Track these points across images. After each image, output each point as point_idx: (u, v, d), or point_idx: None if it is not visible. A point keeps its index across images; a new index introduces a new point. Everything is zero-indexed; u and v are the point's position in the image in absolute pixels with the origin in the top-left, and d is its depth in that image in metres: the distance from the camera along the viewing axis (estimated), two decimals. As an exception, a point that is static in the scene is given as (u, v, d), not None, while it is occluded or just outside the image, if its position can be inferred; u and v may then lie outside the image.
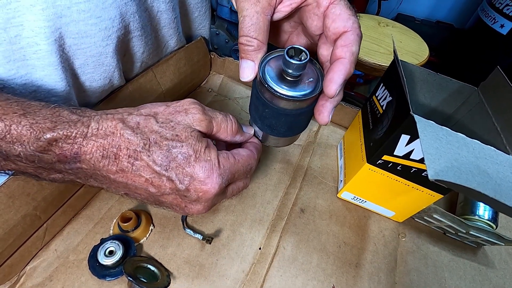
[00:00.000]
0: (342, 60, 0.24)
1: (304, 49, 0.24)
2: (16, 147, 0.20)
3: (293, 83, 0.24)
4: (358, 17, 0.26)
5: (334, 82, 0.24)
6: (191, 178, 0.23)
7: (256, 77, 0.26)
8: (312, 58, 0.26)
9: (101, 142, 0.22)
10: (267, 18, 0.25)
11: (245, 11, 0.25)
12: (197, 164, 0.23)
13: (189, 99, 0.26)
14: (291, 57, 0.23)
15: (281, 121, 0.26)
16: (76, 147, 0.21)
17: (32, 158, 0.21)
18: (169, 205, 0.25)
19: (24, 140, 0.20)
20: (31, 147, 0.20)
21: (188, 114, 0.25)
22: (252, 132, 0.31)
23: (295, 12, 0.28)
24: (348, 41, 0.24)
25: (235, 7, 0.27)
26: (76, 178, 0.23)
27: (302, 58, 0.24)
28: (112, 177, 0.22)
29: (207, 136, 0.26)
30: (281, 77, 0.25)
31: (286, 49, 0.23)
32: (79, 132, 0.21)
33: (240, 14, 0.25)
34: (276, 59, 0.26)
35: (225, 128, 0.27)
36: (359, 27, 0.25)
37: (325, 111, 0.26)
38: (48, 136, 0.20)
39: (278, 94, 0.24)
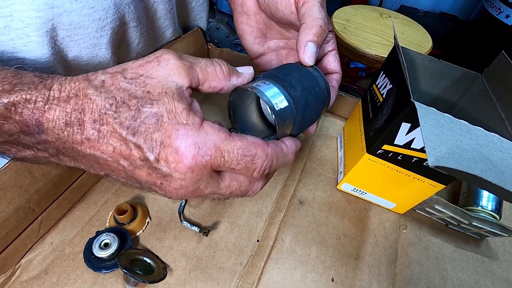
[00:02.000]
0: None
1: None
2: None
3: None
4: None
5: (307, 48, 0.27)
6: (161, 145, 0.19)
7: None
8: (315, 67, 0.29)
9: (63, 106, 0.18)
10: None
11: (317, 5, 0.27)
12: (170, 127, 0.19)
13: (162, 49, 0.22)
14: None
15: (314, 109, 0.27)
16: (37, 113, 0.18)
17: None
18: (146, 184, 0.21)
19: None
20: None
21: (161, 63, 0.20)
22: (252, 69, 0.25)
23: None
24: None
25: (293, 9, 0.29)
26: (50, 156, 0.20)
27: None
28: (79, 149, 0.19)
29: (195, 89, 0.23)
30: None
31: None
32: (40, 95, 0.18)
33: (309, 3, 0.27)
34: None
35: (213, 72, 0.22)
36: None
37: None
38: (5, 100, 0.18)
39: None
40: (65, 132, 0.19)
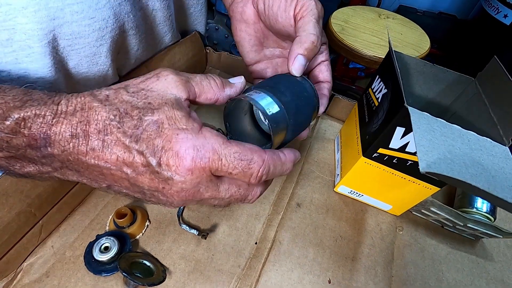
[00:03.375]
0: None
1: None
2: None
3: None
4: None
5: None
6: (162, 150, 0.20)
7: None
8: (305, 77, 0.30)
9: (69, 119, 0.19)
10: None
11: (313, 16, 0.28)
12: (170, 132, 0.20)
13: (160, 68, 0.24)
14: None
15: (305, 114, 0.28)
16: (45, 127, 0.19)
17: (0, 144, 0.19)
18: (148, 191, 0.22)
19: None
20: None
21: (160, 78, 0.22)
22: (243, 79, 0.27)
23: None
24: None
25: (289, 10, 0.29)
26: (53, 171, 0.21)
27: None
28: (83, 160, 0.20)
29: (192, 102, 0.24)
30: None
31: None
32: (49, 110, 0.19)
33: (306, 17, 0.28)
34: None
35: (208, 85, 0.24)
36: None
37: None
38: (16, 115, 0.19)
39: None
40: (71, 144, 0.20)
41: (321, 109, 0.31)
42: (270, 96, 0.25)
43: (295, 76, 0.29)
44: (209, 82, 0.24)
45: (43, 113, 0.19)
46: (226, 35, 1.19)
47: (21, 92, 0.20)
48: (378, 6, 1.47)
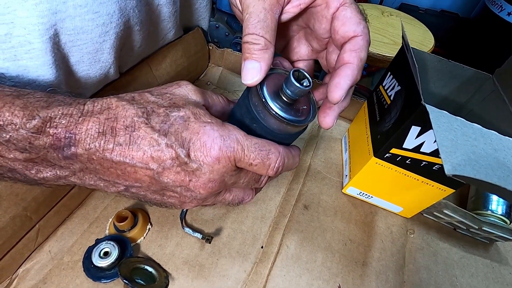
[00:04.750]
0: (350, 65, 0.23)
1: (308, 75, 0.22)
2: (7, 129, 0.18)
3: (288, 106, 0.23)
4: (368, 22, 0.24)
5: (340, 87, 0.23)
6: (190, 141, 0.21)
7: (253, 86, 0.24)
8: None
9: (97, 117, 0.20)
10: (275, 17, 0.23)
11: (251, 7, 0.23)
12: (197, 125, 0.21)
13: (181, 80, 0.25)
14: (296, 80, 0.22)
15: (266, 138, 0.24)
16: (72, 125, 0.19)
17: (23, 145, 0.19)
18: (172, 187, 0.22)
19: (16, 122, 0.18)
20: (23, 129, 0.18)
21: (181, 86, 0.24)
22: None
23: (300, 15, 0.27)
24: (357, 46, 0.23)
25: (238, 4, 0.25)
26: (71, 175, 0.21)
27: (305, 84, 0.22)
28: (108, 158, 0.20)
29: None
30: (277, 96, 0.23)
31: (292, 70, 0.22)
32: (75, 110, 0.20)
33: (245, 11, 0.23)
34: (272, 78, 0.24)
35: (218, 99, 0.26)
36: (369, 32, 0.24)
37: (331, 114, 0.25)
38: (43, 114, 0.19)
39: (274, 112, 0.22)
40: (97, 142, 0.20)
41: (334, 94, 0.23)
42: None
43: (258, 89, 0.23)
44: (217, 97, 0.26)
45: (70, 112, 0.20)
46: (227, 33, 1.18)
47: (45, 95, 0.20)
48: (380, 3, 1.45)
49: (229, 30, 1.16)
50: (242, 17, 0.24)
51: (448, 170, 0.18)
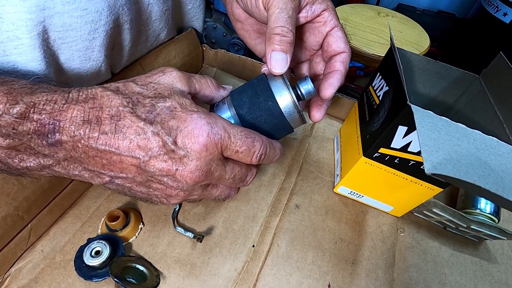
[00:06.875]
0: (339, 71, 0.29)
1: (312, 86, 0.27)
2: None
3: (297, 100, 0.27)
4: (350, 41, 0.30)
5: (333, 87, 0.28)
6: (177, 129, 0.21)
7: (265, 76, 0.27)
8: None
9: (81, 105, 0.20)
10: (297, 17, 0.27)
11: (281, 3, 0.25)
12: (184, 114, 0.21)
13: (164, 66, 0.25)
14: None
15: (270, 124, 0.27)
16: (56, 111, 0.19)
17: (7, 130, 0.19)
18: (158, 177, 0.22)
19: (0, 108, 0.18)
20: (7, 114, 0.18)
21: (166, 73, 0.24)
22: (231, 87, 0.29)
23: (298, 27, 0.30)
24: (345, 60, 0.29)
25: (260, 4, 0.27)
26: (55, 164, 0.21)
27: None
28: (93, 146, 0.20)
29: (192, 97, 0.25)
30: (293, 89, 0.27)
31: (307, 75, 0.30)
32: (60, 97, 0.20)
33: (274, 6, 0.25)
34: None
35: (206, 84, 0.26)
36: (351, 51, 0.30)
37: (322, 109, 0.31)
38: (27, 99, 0.19)
39: (292, 99, 0.25)
40: (82, 130, 0.20)
41: (327, 91, 0.28)
42: (229, 109, 0.27)
43: (274, 77, 0.26)
44: (206, 81, 0.27)
45: (54, 98, 0.20)
46: (224, 34, 1.18)
47: (29, 83, 0.20)
48: (377, 4, 1.46)
49: (227, 31, 1.17)
50: (266, 14, 0.26)
51: (428, 169, 0.18)
